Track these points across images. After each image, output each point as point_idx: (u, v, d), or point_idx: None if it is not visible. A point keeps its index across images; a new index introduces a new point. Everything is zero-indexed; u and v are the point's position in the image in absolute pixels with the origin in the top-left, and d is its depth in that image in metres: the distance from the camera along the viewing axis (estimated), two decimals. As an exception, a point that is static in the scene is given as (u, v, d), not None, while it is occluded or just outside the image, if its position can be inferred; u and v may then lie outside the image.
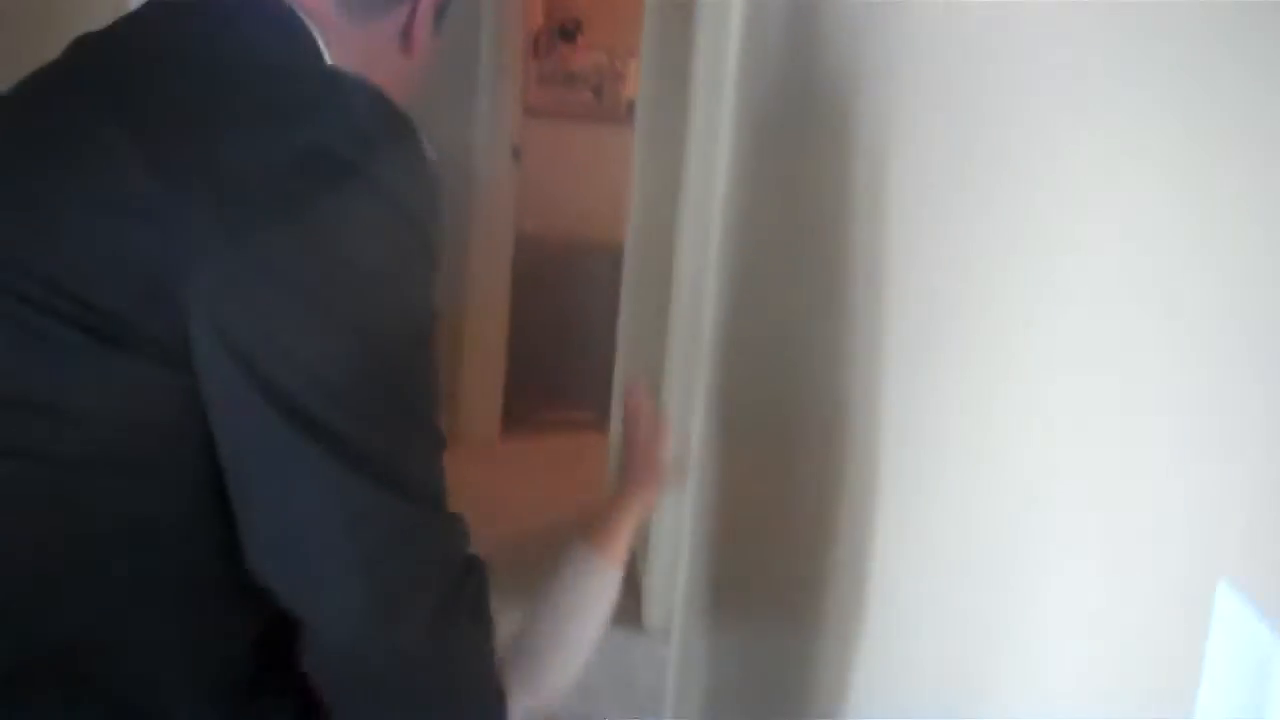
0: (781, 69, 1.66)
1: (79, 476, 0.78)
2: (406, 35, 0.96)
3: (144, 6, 0.91)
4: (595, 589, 1.10)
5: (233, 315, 0.75)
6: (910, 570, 1.00)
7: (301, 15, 0.88)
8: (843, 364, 1.19)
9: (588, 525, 1.12)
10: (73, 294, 0.76)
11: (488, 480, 3.18)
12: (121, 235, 0.76)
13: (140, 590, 0.81)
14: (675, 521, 2.48)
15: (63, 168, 0.80)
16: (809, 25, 1.47)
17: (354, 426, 0.77)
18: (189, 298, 0.74)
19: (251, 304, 0.75)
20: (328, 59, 0.89)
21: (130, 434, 0.78)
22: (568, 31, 4.18)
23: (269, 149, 0.77)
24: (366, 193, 0.79)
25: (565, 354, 4.03)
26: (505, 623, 1.13)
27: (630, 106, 3.99)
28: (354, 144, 0.79)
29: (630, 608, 2.88)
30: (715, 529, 1.95)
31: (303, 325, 0.76)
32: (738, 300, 1.93)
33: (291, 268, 0.76)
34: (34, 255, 0.78)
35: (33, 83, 0.89)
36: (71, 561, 0.79)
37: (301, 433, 0.75)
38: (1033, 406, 0.80)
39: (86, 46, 0.90)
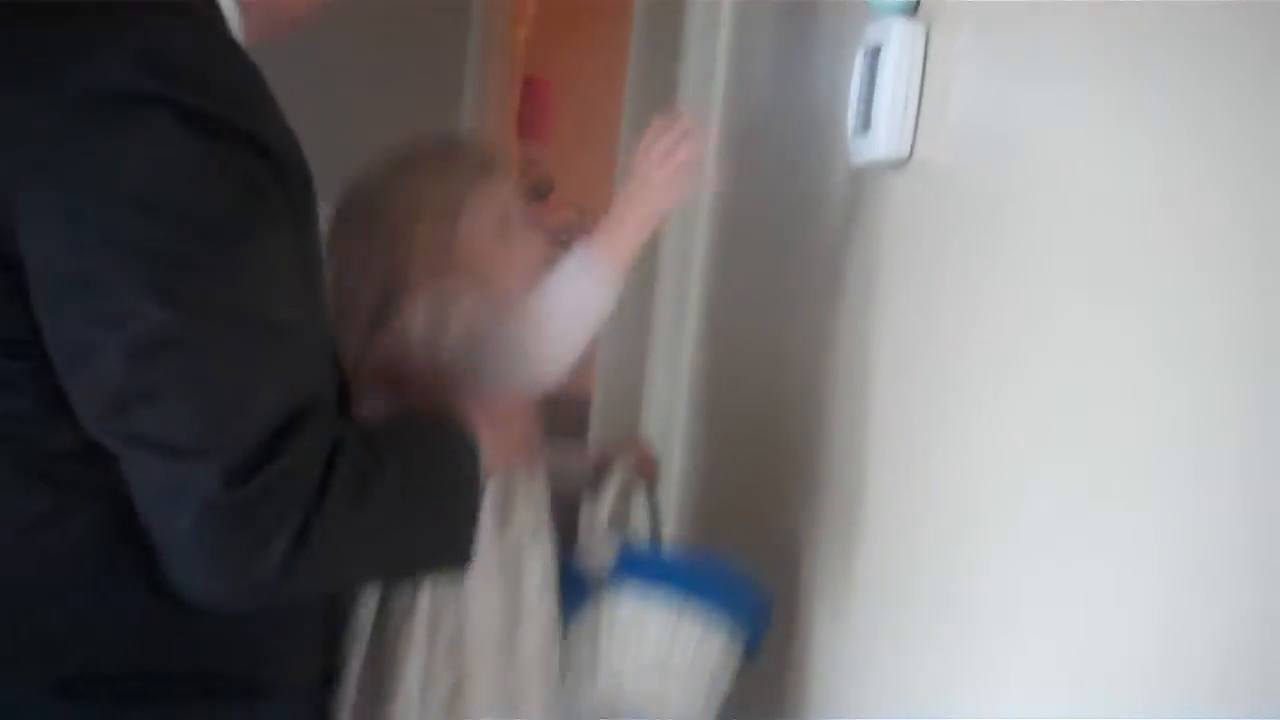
0: (758, 228, 1.75)
1: None
2: None
3: None
4: (586, 283, 1.05)
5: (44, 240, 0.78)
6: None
7: None
8: (822, 531, 1.24)
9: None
10: None
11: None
12: None
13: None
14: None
15: None
16: (783, 184, 1.56)
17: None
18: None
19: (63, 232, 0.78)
20: None
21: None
22: (540, 190, 4.31)
23: (64, 90, 0.78)
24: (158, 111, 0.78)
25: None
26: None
27: (598, 261, 4.08)
28: (144, 71, 0.79)
29: None
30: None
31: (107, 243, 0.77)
32: (707, 447, 1.99)
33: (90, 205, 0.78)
34: None
35: None
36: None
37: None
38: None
39: None
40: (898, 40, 1.06)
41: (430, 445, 0.98)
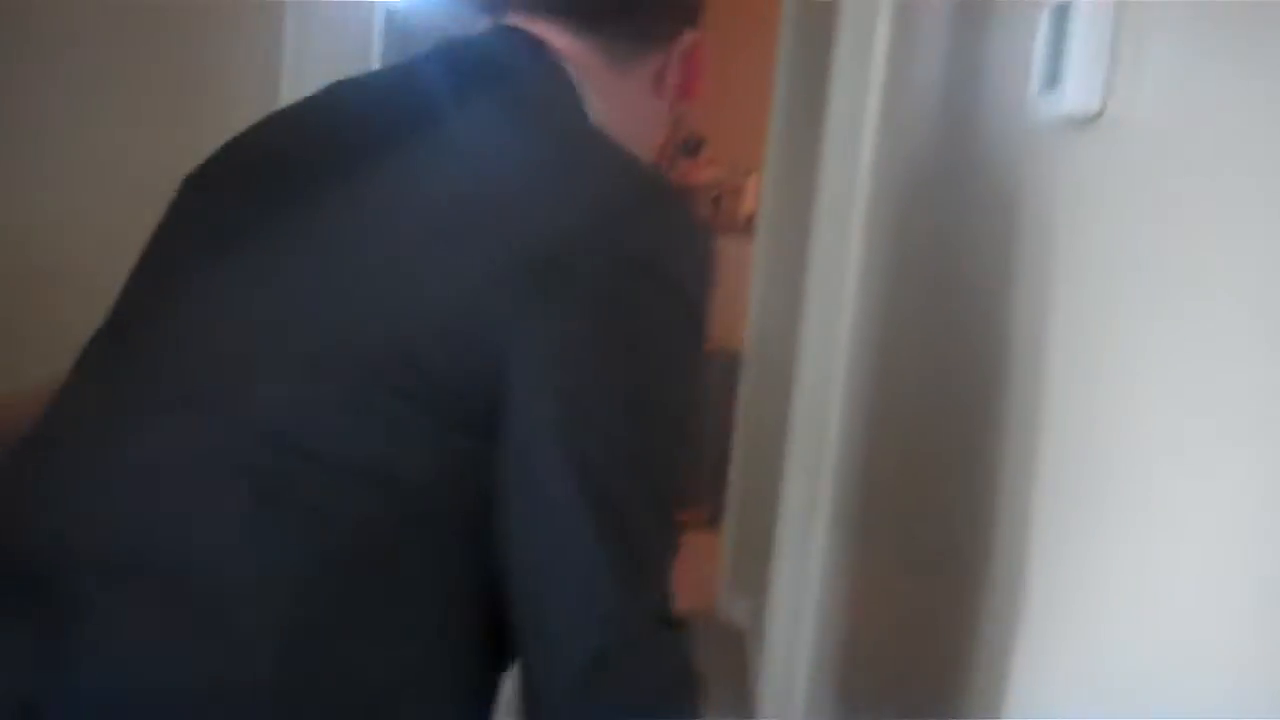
0: (926, 180, 1.74)
1: (396, 535, 0.86)
2: (660, 79, 1.07)
3: (420, 59, 0.99)
4: None
5: (539, 386, 0.83)
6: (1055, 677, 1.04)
7: (567, 69, 0.97)
8: (994, 479, 1.24)
9: None
10: (414, 368, 0.83)
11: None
12: (453, 312, 0.84)
13: (426, 633, 0.90)
14: (791, 627, 2.48)
15: (398, 243, 0.88)
16: (952, 144, 1.55)
17: (625, 490, 0.85)
18: (504, 371, 0.83)
19: (556, 376, 0.84)
20: (590, 111, 0.98)
21: (433, 495, 0.86)
22: (690, 148, 4.33)
23: (560, 229, 0.85)
24: (653, 275, 0.87)
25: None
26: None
27: (749, 219, 4.09)
28: (641, 229, 0.87)
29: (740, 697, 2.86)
30: (841, 632, 1.97)
31: (595, 397, 0.84)
32: (868, 408, 1.99)
33: (585, 347, 0.84)
34: (378, 329, 0.85)
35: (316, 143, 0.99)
36: (380, 613, 0.87)
37: (580, 484, 0.84)
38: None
39: (372, 105, 0.99)
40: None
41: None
